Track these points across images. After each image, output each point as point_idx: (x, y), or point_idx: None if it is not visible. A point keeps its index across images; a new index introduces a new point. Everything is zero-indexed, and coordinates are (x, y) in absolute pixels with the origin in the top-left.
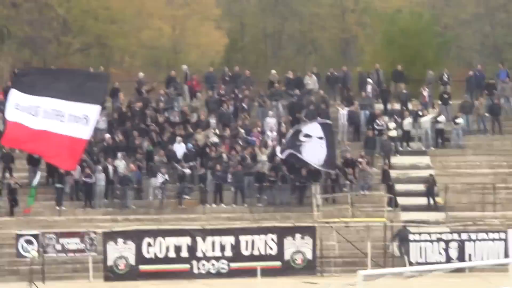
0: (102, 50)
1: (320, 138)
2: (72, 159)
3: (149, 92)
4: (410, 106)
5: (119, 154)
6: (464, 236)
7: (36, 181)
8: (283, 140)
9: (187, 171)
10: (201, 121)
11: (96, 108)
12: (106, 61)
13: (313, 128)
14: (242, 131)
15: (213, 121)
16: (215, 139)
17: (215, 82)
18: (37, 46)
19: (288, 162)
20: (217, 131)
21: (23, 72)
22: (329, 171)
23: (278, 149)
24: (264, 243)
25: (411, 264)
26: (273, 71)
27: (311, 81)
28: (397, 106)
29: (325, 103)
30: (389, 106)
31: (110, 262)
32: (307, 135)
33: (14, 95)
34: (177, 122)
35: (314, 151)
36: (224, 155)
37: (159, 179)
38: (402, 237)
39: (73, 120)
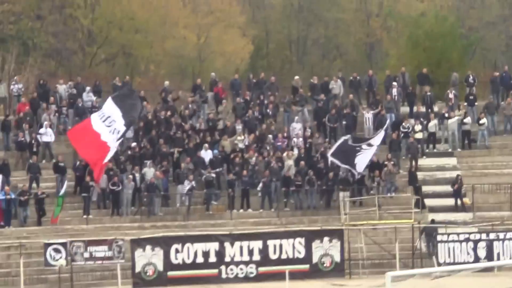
0: (127, 60)
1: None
2: (97, 163)
3: (174, 101)
4: (435, 108)
5: (147, 162)
6: (492, 235)
7: (63, 190)
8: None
9: (214, 176)
10: (227, 128)
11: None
12: (131, 70)
13: (377, 138)
14: (268, 136)
15: (239, 127)
16: (241, 145)
17: (240, 88)
18: (62, 57)
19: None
20: (243, 137)
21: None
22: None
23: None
24: (292, 247)
25: (439, 264)
26: (296, 77)
27: (336, 86)
28: (422, 108)
29: (353, 107)
30: (414, 109)
31: (138, 269)
32: (369, 144)
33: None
34: (203, 129)
35: (365, 159)
36: (251, 161)
37: (186, 186)
38: (428, 232)
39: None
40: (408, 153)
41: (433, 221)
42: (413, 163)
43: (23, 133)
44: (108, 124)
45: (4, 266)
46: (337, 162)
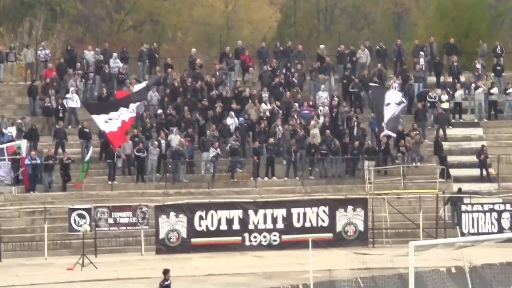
0: (154, 26)
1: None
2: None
3: (201, 68)
4: (462, 78)
5: (173, 129)
6: None
7: (88, 156)
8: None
9: (239, 145)
10: (253, 96)
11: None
12: (158, 37)
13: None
14: (294, 105)
15: (265, 95)
16: (267, 113)
17: (267, 57)
18: (90, 24)
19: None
20: (269, 105)
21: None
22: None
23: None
24: (316, 215)
25: (463, 234)
26: (322, 46)
27: (363, 55)
28: (449, 78)
29: (381, 77)
30: (441, 79)
31: (162, 235)
32: (387, 104)
33: (97, 119)
34: (230, 97)
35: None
36: (276, 129)
37: (211, 153)
38: (454, 201)
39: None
40: (436, 123)
41: (459, 190)
42: (440, 132)
43: (49, 99)
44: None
45: (29, 231)
46: (391, 133)
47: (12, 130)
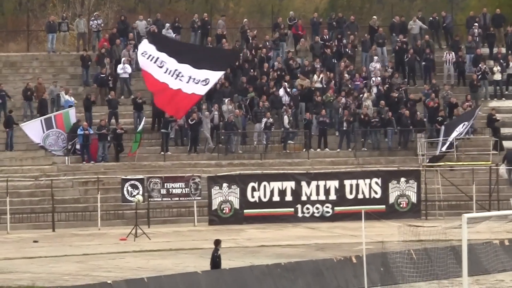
0: None
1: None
2: (181, 110)
3: (254, 39)
4: None
5: (225, 100)
6: None
7: (141, 126)
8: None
9: (290, 116)
10: (305, 67)
11: (219, 74)
12: (210, 8)
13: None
14: (346, 76)
15: (317, 66)
16: (318, 84)
17: (319, 28)
18: None
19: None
20: (322, 76)
21: (160, 36)
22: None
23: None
24: (369, 187)
25: None
26: (374, 17)
27: (415, 26)
28: (503, 49)
29: (429, 48)
30: (494, 50)
31: (214, 206)
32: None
33: (145, 45)
34: (281, 68)
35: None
36: (329, 100)
37: (263, 124)
38: (510, 158)
39: (193, 82)
40: (487, 94)
41: None
42: (494, 104)
43: (105, 69)
44: (160, 64)
45: (82, 201)
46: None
47: (70, 98)
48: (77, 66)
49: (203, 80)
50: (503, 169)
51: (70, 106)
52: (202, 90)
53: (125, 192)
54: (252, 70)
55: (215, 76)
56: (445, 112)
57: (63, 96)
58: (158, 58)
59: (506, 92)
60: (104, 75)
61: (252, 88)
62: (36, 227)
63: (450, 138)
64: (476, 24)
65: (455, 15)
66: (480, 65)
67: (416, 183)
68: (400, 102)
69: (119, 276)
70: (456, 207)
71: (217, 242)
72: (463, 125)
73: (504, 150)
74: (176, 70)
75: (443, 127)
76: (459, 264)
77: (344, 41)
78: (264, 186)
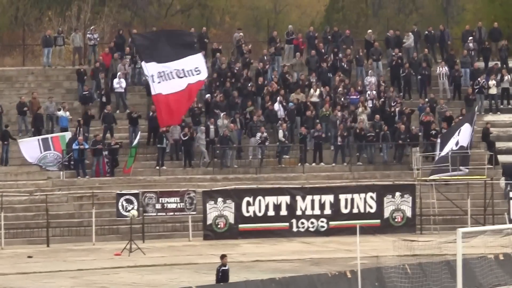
0: (202, 11)
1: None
2: (182, 108)
3: (250, 53)
4: (510, 63)
5: (221, 114)
6: None
7: (136, 141)
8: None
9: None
10: (300, 81)
11: (200, 56)
12: (206, 22)
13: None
14: (342, 90)
15: (313, 80)
16: (315, 99)
17: (315, 41)
18: (138, 7)
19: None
20: (317, 91)
21: (137, 39)
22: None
23: None
24: (364, 201)
25: (511, 221)
26: (370, 31)
27: (408, 40)
28: (498, 64)
29: (427, 62)
30: (490, 64)
31: (209, 221)
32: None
33: (148, 67)
34: (277, 82)
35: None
36: (324, 114)
37: (258, 138)
38: (509, 172)
39: (186, 74)
40: (482, 108)
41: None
42: (488, 118)
43: (86, 87)
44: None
45: (77, 216)
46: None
47: (65, 114)
48: (73, 81)
49: (195, 70)
50: (503, 182)
51: (65, 129)
52: (202, 76)
53: (120, 207)
54: (249, 85)
55: (199, 60)
56: (440, 126)
57: (58, 113)
58: (158, 72)
59: (501, 106)
60: (86, 92)
61: (251, 103)
62: (31, 242)
63: (445, 150)
64: (471, 38)
65: (450, 28)
66: (478, 79)
67: (411, 197)
68: (395, 116)
69: None
70: (451, 222)
71: (223, 257)
72: (465, 127)
73: (499, 164)
74: (159, 72)
75: (439, 140)
76: (454, 279)
77: (340, 55)
78: (259, 200)
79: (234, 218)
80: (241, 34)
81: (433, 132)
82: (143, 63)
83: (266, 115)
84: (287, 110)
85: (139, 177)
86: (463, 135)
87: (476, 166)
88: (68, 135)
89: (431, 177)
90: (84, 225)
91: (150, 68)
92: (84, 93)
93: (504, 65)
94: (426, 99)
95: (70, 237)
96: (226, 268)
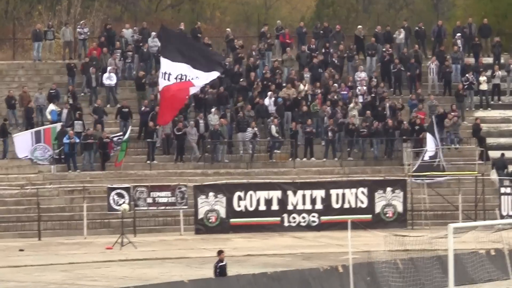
0: (192, 5)
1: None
2: (176, 104)
3: (242, 48)
4: (502, 60)
5: (212, 109)
6: None
7: (127, 135)
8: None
9: (276, 126)
10: (291, 76)
11: (215, 73)
12: (196, 16)
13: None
14: (333, 85)
15: (306, 75)
16: (305, 94)
17: (305, 37)
18: (128, 2)
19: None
20: (308, 86)
21: (166, 38)
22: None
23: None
24: (355, 196)
25: (502, 217)
26: (360, 27)
27: (399, 36)
28: (488, 59)
29: (417, 58)
30: (480, 60)
31: (201, 216)
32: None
33: (163, 63)
34: (268, 77)
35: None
36: (315, 110)
37: (249, 133)
38: (499, 166)
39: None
40: (472, 104)
41: (503, 155)
42: (479, 114)
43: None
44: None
45: (68, 210)
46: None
47: (54, 107)
48: (63, 75)
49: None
50: (495, 178)
51: (57, 121)
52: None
53: (111, 201)
54: (241, 80)
55: (211, 76)
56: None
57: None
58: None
59: (492, 102)
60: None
61: (241, 98)
62: (22, 235)
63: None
64: (459, 34)
65: (444, 24)
66: (467, 75)
67: (402, 192)
68: (385, 112)
69: (105, 285)
70: (442, 217)
71: (220, 252)
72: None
73: (490, 160)
74: (180, 74)
75: (428, 134)
76: (445, 274)
77: (331, 50)
78: (250, 195)
79: (225, 213)
80: (229, 29)
81: (417, 127)
82: (161, 58)
83: (257, 110)
84: (277, 106)
85: (130, 171)
86: (429, 145)
87: (467, 162)
88: (58, 126)
89: (413, 172)
90: (76, 219)
91: (163, 64)
92: (51, 91)
93: (497, 61)
94: (414, 96)
95: (61, 230)
96: (224, 263)
